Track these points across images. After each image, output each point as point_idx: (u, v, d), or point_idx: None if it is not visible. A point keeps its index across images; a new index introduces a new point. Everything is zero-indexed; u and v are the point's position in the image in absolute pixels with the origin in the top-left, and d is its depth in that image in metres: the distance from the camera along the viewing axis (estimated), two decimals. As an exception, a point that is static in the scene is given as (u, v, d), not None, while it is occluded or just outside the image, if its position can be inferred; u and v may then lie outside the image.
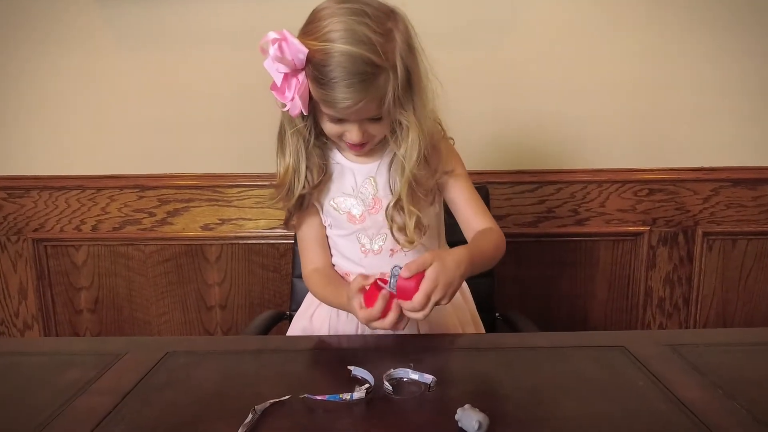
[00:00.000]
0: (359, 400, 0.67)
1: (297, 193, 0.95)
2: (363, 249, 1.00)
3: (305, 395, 0.67)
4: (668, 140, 1.54)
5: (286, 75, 0.83)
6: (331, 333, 1.01)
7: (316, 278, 1.02)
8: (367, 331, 0.98)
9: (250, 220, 1.58)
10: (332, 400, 0.66)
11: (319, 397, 0.67)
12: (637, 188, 1.55)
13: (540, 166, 1.55)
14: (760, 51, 1.49)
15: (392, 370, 0.73)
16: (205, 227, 1.59)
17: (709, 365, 0.76)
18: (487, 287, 1.26)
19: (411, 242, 0.93)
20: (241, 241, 1.59)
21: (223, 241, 1.59)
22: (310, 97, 0.85)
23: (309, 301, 1.08)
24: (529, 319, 1.15)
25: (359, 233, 0.99)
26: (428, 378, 0.71)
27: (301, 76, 0.83)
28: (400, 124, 0.89)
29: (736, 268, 1.60)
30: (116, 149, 1.57)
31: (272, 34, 0.81)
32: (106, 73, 1.53)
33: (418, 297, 0.75)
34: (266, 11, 1.48)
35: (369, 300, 0.80)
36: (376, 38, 0.81)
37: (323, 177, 0.97)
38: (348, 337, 0.97)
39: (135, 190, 1.57)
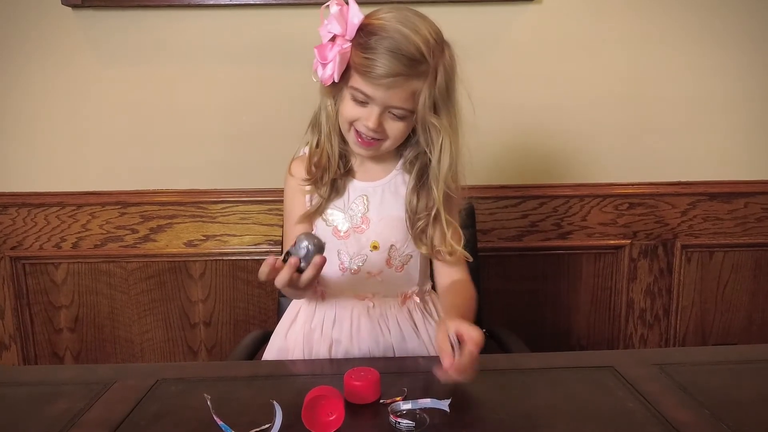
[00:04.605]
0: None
1: (330, 176, 0.96)
2: (341, 266, 1.00)
3: None
4: (647, 155, 1.57)
5: (333, 37, 0.85)
6: (305, 352, 1.00)
7: None
8: (340, 353, 0.98)
9: (234, 236, 1.57)
10: None
11: None
12: (618, 202, 1.58)
13: (523, 181, 1.57)
14: (735, 67, 1.53)
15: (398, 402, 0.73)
16: (189, 244, 1.57)
17: (696, 385, 0.77)
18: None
19: (452, 253, 0.95)
20: (225, 257, 1.58)
21: (207, 258, 1.57)
22: (343, 76, 0.87)
23: (285, 320, 1.07)
24: (516, 335, 1.15)
25: (340, 249, 0.99)
26: (443, 404, 0.71)
27: (346, 45, 0.85)
28: (430, 133, 0.91)
29: (714, 279, 1.64)
30: (97, 165, 1.54)
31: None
32: (86, 87, 1.50)
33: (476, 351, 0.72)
34: (248, 26, 1.47)
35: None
36: (430, 38, 0.86)
37: (350, 166, 0.98)
38: (338, 361, 0.97)
39: (117, 207, 1.55)
